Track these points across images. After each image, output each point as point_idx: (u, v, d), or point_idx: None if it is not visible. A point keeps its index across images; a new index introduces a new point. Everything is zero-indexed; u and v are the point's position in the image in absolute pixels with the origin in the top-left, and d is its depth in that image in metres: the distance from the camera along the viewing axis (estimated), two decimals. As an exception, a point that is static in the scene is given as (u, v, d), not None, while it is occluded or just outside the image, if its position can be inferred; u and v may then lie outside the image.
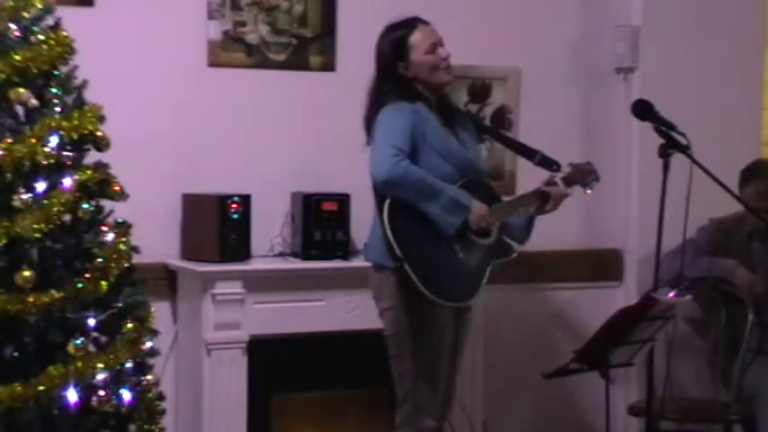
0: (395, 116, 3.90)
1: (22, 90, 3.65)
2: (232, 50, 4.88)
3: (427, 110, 4.00)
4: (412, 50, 4.01)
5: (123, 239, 3.81)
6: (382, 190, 3.84)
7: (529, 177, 4.37)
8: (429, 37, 4.03)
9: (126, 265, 3.80)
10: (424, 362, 3.96)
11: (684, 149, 3.97)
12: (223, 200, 4.60)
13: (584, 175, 4.18)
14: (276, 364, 4.66)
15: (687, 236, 4.26)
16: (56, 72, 3.74)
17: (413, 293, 3.86)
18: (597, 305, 5.33)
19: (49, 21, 3.76)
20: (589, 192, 4.20)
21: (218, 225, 4.59)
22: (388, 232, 3.80)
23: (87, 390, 3.64)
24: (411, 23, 4.05)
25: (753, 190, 4.97)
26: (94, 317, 3.71)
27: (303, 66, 5.01)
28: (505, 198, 4.24)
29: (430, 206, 3.85)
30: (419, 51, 4.01)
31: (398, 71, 4.01)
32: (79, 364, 3.60)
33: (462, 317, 4.12)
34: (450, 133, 4.06)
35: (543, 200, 4.09)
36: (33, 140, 3.62)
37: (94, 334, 3.74)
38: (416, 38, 4.02)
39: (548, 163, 4.17)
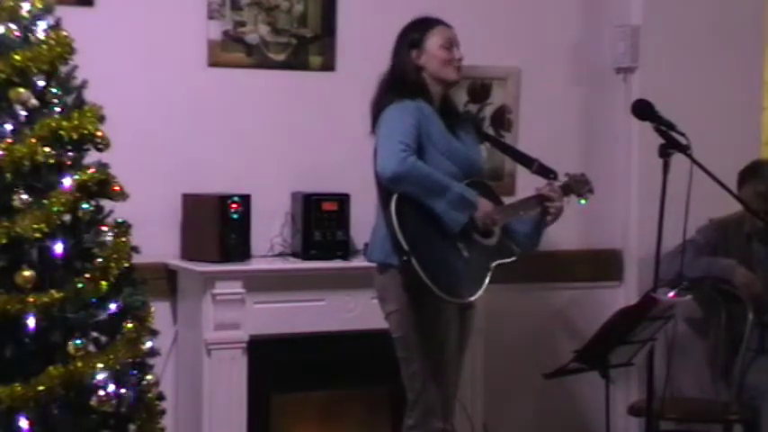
0: (401, 113, 3.93)
1: (22, 90, 3.65)
2: (232, 50, 4.88)
3: (431, 109, 4.02)
4: (428, 40, 4.07)
5: (123, 239, 3.81)
6: (389, 185, 3.85)
7: (528, 179, 4.36)
8: (447, 35, 4.11)
9: (126, 265, 3.80)
10: (433, 361, 3.96)
11: (684, 149, 3.97)
12: (223, 200, 4.60)
13: (579, 186, 4.24)
14: (276, 364, 4.66)
15: (687, 236, 4.26)
16: (56, 72, 3.74)
17: (418, 292, 3.85)
18: (597, 305, 5.33)
19: (49, 21, 3.76)
20: (583, 202, 4.24)
21: (218, 225, 4.59)
22: (396, 227, 3.81)
23: (87, 390, 3.64)
24: (435, 20, 4.13)
25: (751, 190, 4.97)
26: (94, 317, 3.71)
27: (303, 66, 5.00)
28: (506, 199, 4.25)
29: (437, 202, 3.86)
30: (435, 44, 4.07)
31: (411, 58, 4.06)
32: (79, 364, 3.61)
33: (465, 314, 4.12)
34: (452, 134, 4.08)
35: (544, 209, 4.11)
36: (33, 140, 3.63)
37: (94, 334, 3.75)
38: (436, 31, 4.09)
39: (545, 171, 4.20)
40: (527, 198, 4.17)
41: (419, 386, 3.97)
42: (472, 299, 4.03)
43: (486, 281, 3.99)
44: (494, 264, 4.02)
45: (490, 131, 5.25)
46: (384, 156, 3.85)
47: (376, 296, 4.08)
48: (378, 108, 4.00)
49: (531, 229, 4.17)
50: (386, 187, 3.87)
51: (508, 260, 4.08)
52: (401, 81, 4.04)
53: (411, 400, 4.01)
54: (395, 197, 3.84)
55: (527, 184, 4.44)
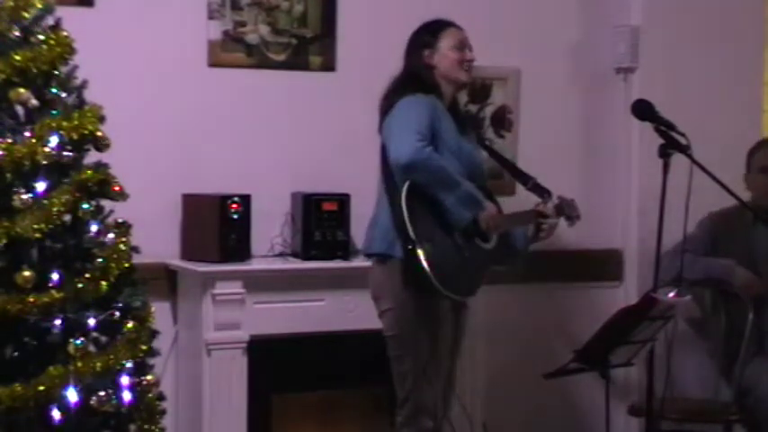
0: (416, 105, 3.97)
1: (22, 90, 3.65)
2: (232, 50, 4.87)
3: (443, 107, 4.05)
4: (441, 41, 4.13)
5: (123, 239, 3.81)
6: (404, 173, 3.86)
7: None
8: (460, 36, 4.16)
9: (126, 265, 3.80)
10: (425, 361, 3.97)
11: (684, 149, 3.98)
12: (223, 200, 4.59)
13: (569, 210, 4.25)
14: (276, 364, 4.66)
15: (687, 233, 4.26)
16: (56, 72, 3.74)
17: (414, 288, 3.86)
18: (597, 305, 5.33)
19: (49, 21, 3.76)
20: (569, 225, 4.25)
21: (218, 225, 4.58)
22: (406, 215, 3.82)
23: (87, 390, 3.64)
24: (447, 22, 4.18)
25: (756, 166, 5.01)
26: (94, 317, 3.71)
27: (303, 66, 5.00)
28: (505, 199, 4.26)
29: (446, 196, 3.89)
30: (447, 44, 4.12)
31: (423, 57, 4.09)
32: (79, 364, 3.61)
33: (460, 314, 4.14)
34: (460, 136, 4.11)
35: (537, 225, 4.13)
36: (33, 140, 3.63)
37: (94, 334, 3.75)
38: (449, 32, 4.15)
39: (539, 190, 4.24)
40: (524, 211, 4.20)
41: (410, 385, 3.99)
42: (468, 299, 4.04)
43: (481, 283, 4.02)
44: (490, 267, 4.04)
45: (490, 132, 5.27)
46: (400, 143, 3.87)
47: (371, 294, 4.09)
48: (389, 103, 4.02)
49: (524, 238, 4.20)
50: (399, 175, 3.88)
51: (503, 265, 4.11)
52: (415, 78, 4.07)
53: (401, 398, 4.02)
54: (406, 186, 3.86)
55: (527, 184, 4.44)
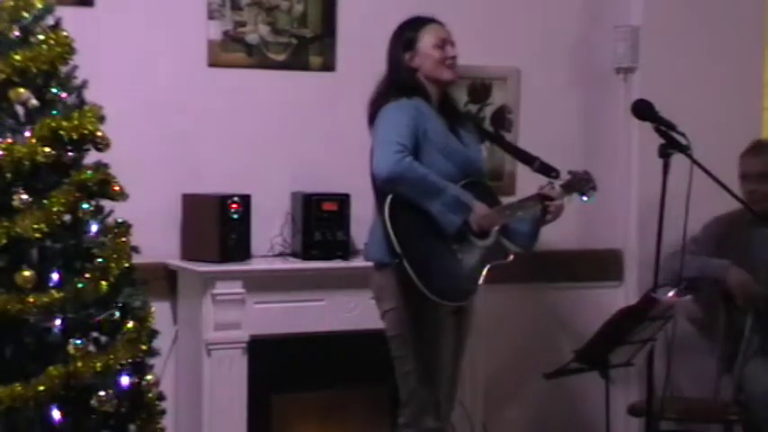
0: (396, 113, 3.92)
1: (22, 90, 3.66)
2: (232, 50, 4.88)
3: (429, 108, 4.01)
4: (420, 42, 4.06)
5: (123, 239, 3.81)
6: (385, 186, 3.84)
7: (529, 178, 4.36)
8: (440, 33, 4.09)
9: (126, 265, 3.80)
10: (427, 362, 3.97)
11: (684, 149, 3.98)
12: (223, 200, 4.60)
13: (582, 184, 4.21)
14: (276, 364, 4.66)
15: (688, 235, 4.26)
16: (56, 72, 3.74)
17: (413, 292, 3.86)
18: (597, 305, 5.33)
19: (49, 21, 3.77)
20: (586, 199, 4.22)
21: (218, 225, 4.59)
22: (389, 229, 3.81)
23: (87, 390, 3.64)
24: (426, 20, 4.11)
25: (738, 171, 5.00)
26: (94, 317, 3.71)
27: (303, 66, 5.01)
28: (506, 199, 4.25)
29: (431, 204, 3.86)
30: (427, 44, 4.05)
31: (405, 61, 4.05)
32: (79, 364, 3.61)
33: (461, 316, 4.12)
34: (452, 133, 4.07)
35: (544, 208, 4.09)
36: (33, 140, 3.63)
37: (94, 334, 3.75)
38: (427, 31, 4.08)
39: (547, 169, 4.19)
40: (527, 197, 4.15)
41: (413, 385, 3.98)
42: (465, 302, 4.04)
43: (480, 282, 4.00)
44: (488, 265, 4.02)
45: (490, 130, 5.25)
46: (379, 157, 3.85)
47: (373, 295, 4.08)
48: (374, 107, 4.00)
49: (529, 228, 4.16)
50: (381, 188, 3.87)
51: (504, 261, 4.08)
52: (398, 83, 4.03)
53: (404, 398, 4.01)
54: (389, 199, 3.84)
55: (527, 184, 4.43)
